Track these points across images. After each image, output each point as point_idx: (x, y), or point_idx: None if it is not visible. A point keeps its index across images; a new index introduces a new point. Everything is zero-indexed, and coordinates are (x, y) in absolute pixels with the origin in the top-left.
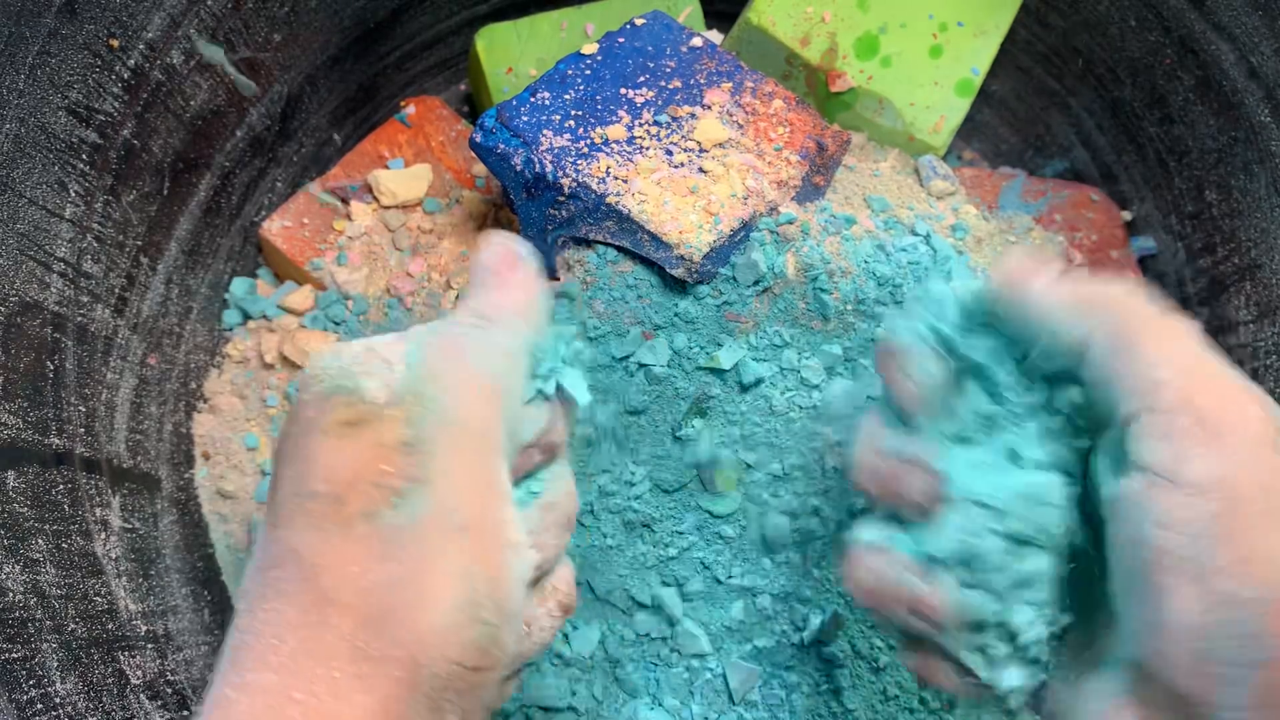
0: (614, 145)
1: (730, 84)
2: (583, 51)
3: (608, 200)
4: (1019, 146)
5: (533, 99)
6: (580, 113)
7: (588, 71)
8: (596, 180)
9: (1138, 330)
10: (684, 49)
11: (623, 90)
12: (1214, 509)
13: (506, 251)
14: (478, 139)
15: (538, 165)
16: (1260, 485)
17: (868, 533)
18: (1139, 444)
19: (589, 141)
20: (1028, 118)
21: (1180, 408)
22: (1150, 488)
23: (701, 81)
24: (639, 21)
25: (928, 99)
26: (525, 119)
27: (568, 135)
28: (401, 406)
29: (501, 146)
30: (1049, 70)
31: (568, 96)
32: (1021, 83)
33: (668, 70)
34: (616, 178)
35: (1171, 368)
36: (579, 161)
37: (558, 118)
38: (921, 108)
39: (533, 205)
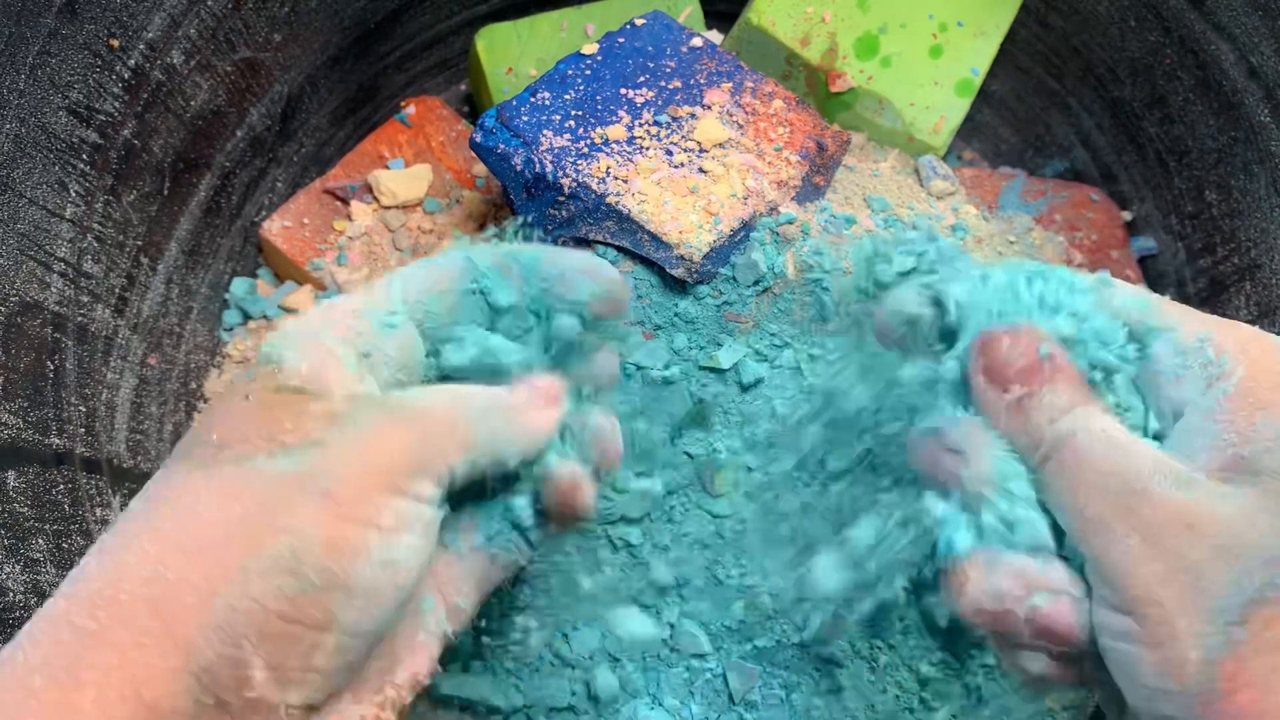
0: (614, 145)
1: (730, 84)
2: (583, 52)
3: (608, 200)
4: (1019, 146)
5: (533, 99)
6: (580, 113)
7: (588, 72)
8: (596, 180)
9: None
10: (684, 49)
11: (623, 90)
12: None
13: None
14: (478, 139)
15: (538, 165)
16: None
17: (961, 538)
18: None
19: (589, 141)
20: (1028, 118)
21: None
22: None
23: (701, 81)
24: (639, 22)
25: (928, 99)
26: (525, 119)
27: (568, 135)
28: (335, 400)
29: (501, 146)
30: (1049, 70)
31: (568, 96)
32: (1021, 83)
33: (668, 70)
34: (616, 178)
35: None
36: (579, 161)
37: (558, 118)
38: (921, 108)
39: (533, 205)
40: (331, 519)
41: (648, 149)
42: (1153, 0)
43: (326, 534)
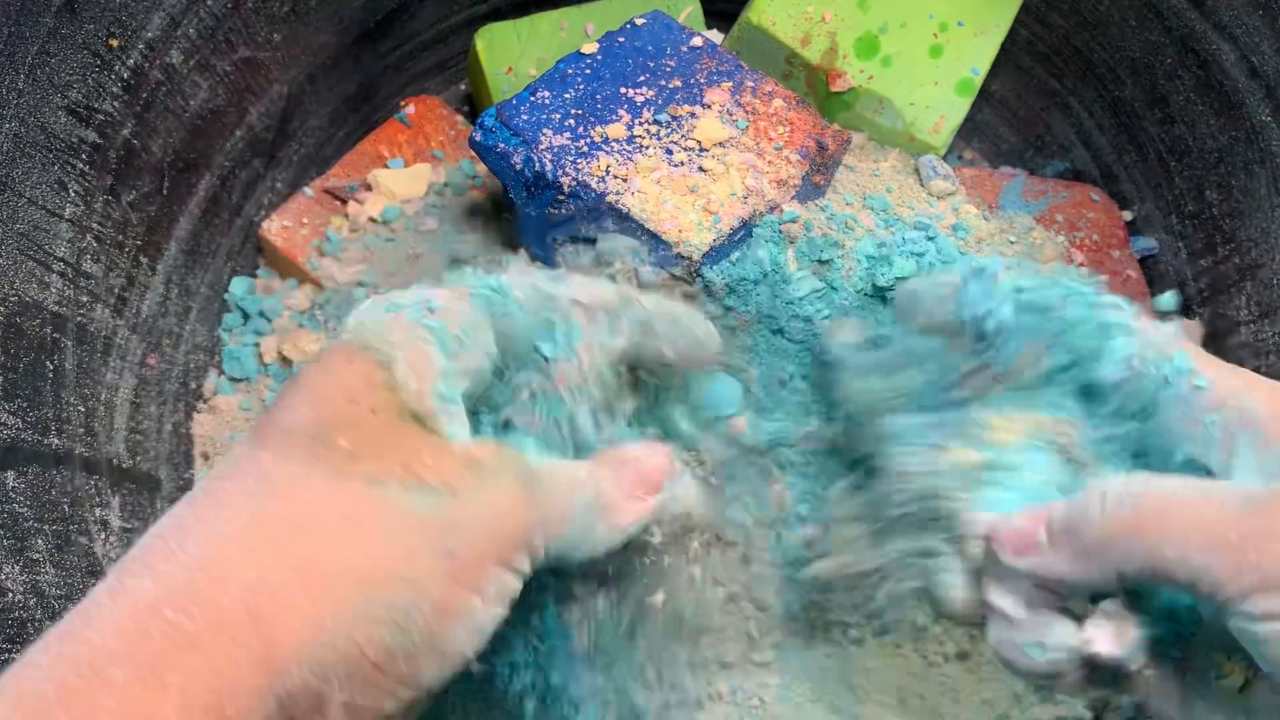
0: (614, 144)
1: (730, 83)
2: (583, 51)
3: (607, 199)
4: (1019, 146)
5: (533, 98)
6: (580, 112)
7: (588, 71)
8: (596, 179)
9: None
10: (684, 49)
11: (623, 89)
12: None
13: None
14: (477, 138)
15: (537, 164)
16: None
17: (995, 598)
18: None
19: (589, 140)
20: (1028, 117)
21: None
22: None
23: (702, 81)
24: (639, 21)
25: (928, 99)
26: (525, 118)
27: (567, 134)
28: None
29: (501, 145)
30: (1049, 70)
31: (568, 95)
32: (1022, 82)
33: (668, 70)
34: (616, 176)
35: None
36: (579, 160)
37: (558, 116)
38: (921, 107)
39: (532, 204)
40: (448, 580)
41: (647, 148)
42: (1153, 0)
43: (440, 595)
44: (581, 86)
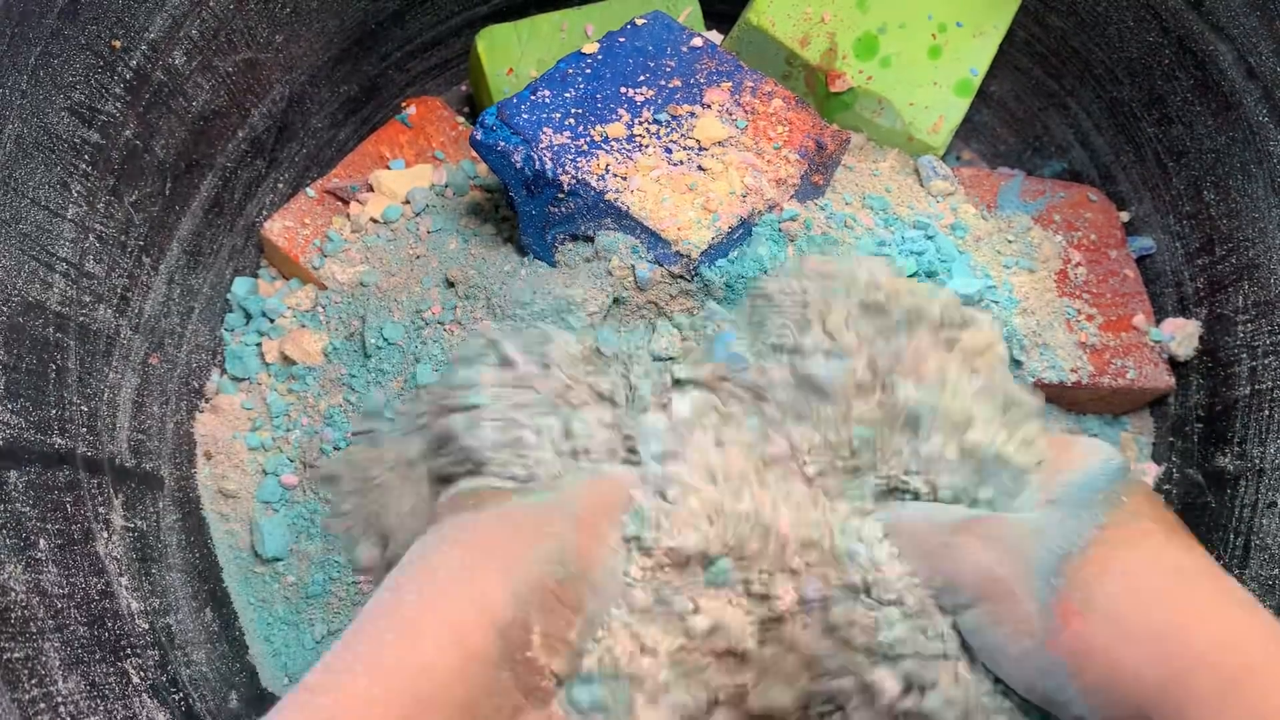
0: (614, 143)
1: (730, 83)
2: (584, 51)
3: (606, 197)
4: (1018, 147)
5: (533, 97)
6: (580, 111)
7: (588, 70)
8: (595, 177)
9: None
10: (684, 49)
11: (623, 89)
12: None
13: None
14: (478, 136)
15: (537, 162)
16: None
17: None
18: None
19: (589, 139)
20: (1026, 118)
21: None
22: None
23: (701, 81)
24: (639, 21)
25: (927, 99)
26: (526, 116)
27: (568, 133)
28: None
29: (502, 144)
30: (1047, 71)
31: (568, 95)
32: (1020, 83)
33: (668, 70)
34: (616, 175)
35: None
36: (579, 159)
37: (558, 115)
38: (920, 108)
39: (532, 203)
40: (580, 532)
41: (647, 146)
42: (1151, 1)
43: (580, 540)
44: (582, 86)
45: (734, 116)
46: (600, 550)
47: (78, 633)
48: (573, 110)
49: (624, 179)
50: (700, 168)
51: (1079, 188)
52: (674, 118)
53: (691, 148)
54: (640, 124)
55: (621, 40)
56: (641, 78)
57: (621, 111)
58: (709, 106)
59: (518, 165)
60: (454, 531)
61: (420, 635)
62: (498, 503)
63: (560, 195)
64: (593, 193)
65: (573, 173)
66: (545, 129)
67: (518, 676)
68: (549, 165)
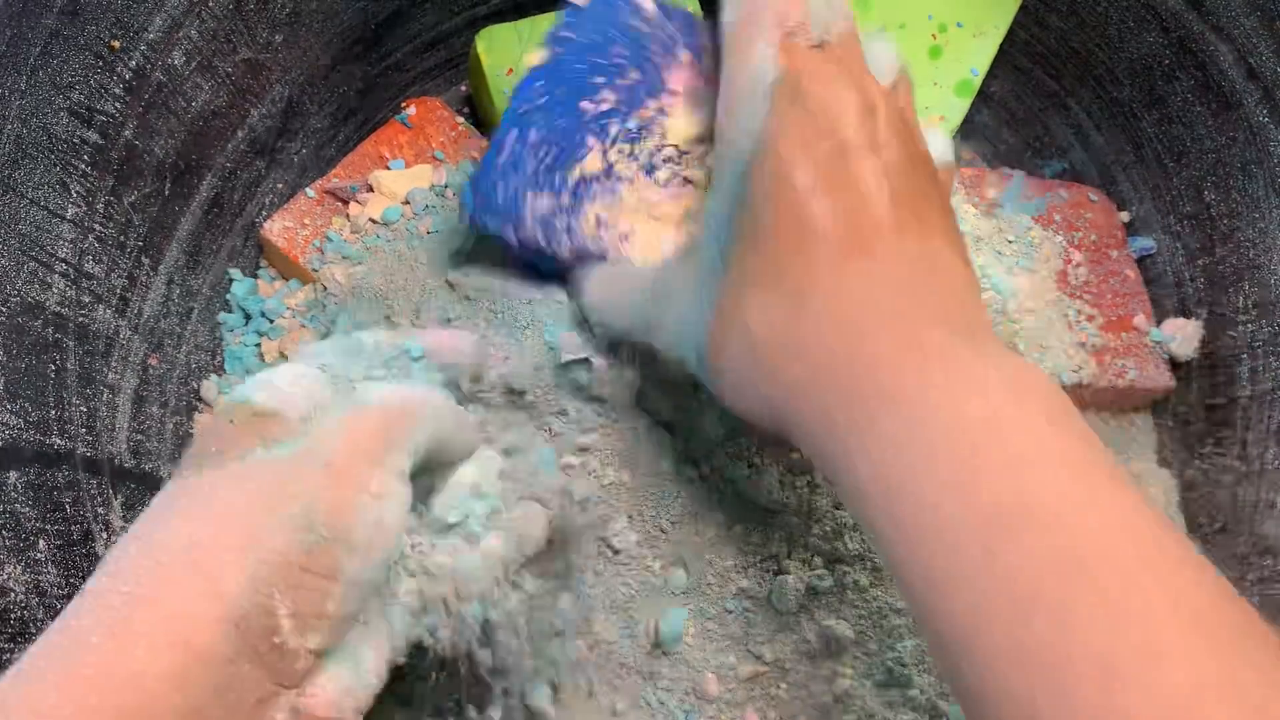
0: (594, 184)
1: (689, 53)
2: (532, 64)
3: (609, 257)
4: (1018, 147)
5: (500, 159)
6: (550, 152)
7: (542, 98)
8: (592, 239)
9: None
10: (631, 26)
11: (583, 104)
12: None
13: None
14: (469, 220)
15: (531, 242)
16: None
17: None
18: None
19: (570, 191)
20: (1026, 118)
21: None
22: None
23: (657, 60)
24: (581, 2)
25: (927, 99)
26: (501, 193)
27: (548, 191)
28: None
29: (492, 229)
30: (1048, 71)
31: (532, 138)
32: (1020, 83)
33: (620, 62)
34: (608, 225)
35: None
36: (570, 220)
37: (530, 168)
38: (920, 108)
39: (541, 262)
40: (332, 485)
41: (626, 177)
42: (1151, 1)
43: (330, 496)
44: (541, 121)
45: (704, 95)
46: (359, 500)
47: None
48: (543, 158)
49: (617, 228)
50: (686, 180)
51: (1079, 188)
52: (643, 125)
53: (671, 158)
54: (614, 149)
55: (567, 37)
56: (597, 80)
57: (591, 140)
58: (675, 94)
59: (514, 244)
60: (184, 500)
61: (132, 636)
62: (241, 453)
63: (564, 260)
64: (594, 256)
65: (568, 241)
66: (525, 194)
67: (266, 665)
68: (542, 242)
